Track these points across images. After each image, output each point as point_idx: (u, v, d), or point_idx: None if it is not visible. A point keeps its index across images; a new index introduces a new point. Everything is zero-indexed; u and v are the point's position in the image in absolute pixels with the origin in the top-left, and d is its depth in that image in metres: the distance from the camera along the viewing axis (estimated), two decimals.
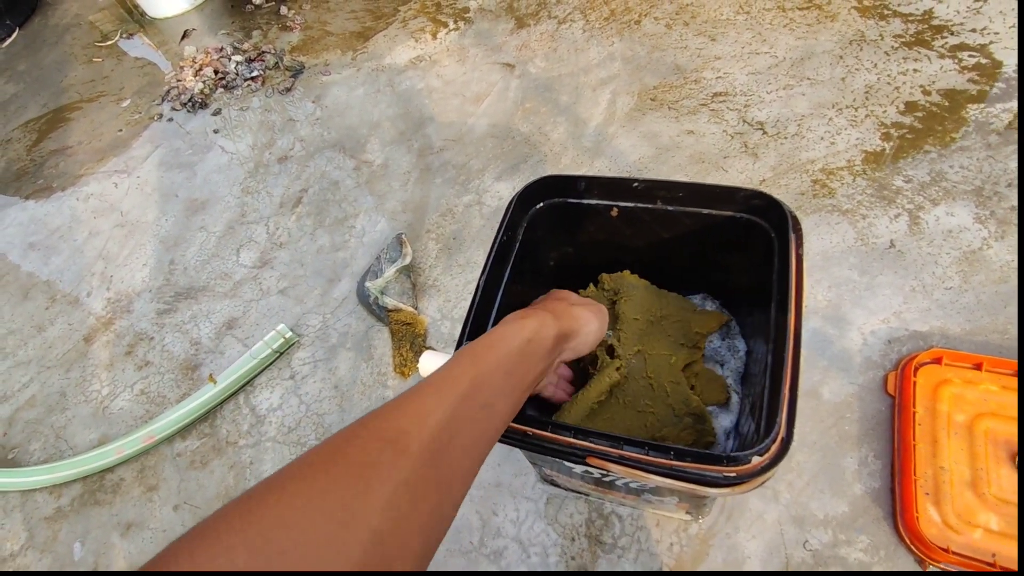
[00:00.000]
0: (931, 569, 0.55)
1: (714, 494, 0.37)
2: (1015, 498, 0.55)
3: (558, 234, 0.56)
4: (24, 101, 1.47)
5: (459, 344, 0.45)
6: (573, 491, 0.65)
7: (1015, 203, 0.75)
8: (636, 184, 0.50)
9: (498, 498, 0.67)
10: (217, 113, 1.24)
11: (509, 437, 0.42)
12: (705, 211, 0.50)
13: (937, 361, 0.64)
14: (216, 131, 1.21)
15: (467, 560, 0.64)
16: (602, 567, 0.61)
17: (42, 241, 1.12)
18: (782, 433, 0.37)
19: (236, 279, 0.96)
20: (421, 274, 0.88)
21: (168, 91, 1.32)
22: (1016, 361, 0.61)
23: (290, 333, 0.83)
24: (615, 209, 0.53)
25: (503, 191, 0.94)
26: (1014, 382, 0.61)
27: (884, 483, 0.60)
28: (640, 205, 0.51)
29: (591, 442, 0.39)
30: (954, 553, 0.54)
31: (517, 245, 0.52)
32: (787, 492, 0.62)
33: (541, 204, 0.53)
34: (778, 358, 0.40)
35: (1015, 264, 0.70)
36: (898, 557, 0.56)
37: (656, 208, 0.51)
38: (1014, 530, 0.54)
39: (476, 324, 0.47)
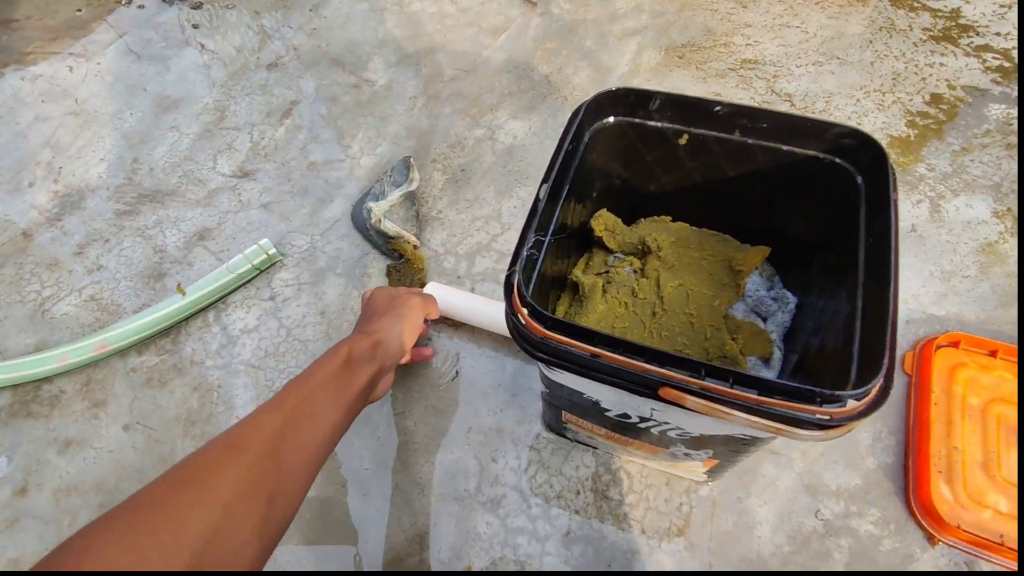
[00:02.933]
0: (939, 545, 0.55)
1: (802, 437, 0.34)
2: None
3: (614, 159, 0.52)
4: None
5: (509, 274, 0.39)
6: (581, 442, 0.61)
7: None
8: (718, 108, 0.45)
9: (499, 444, 0.63)
10: (197, 7, 1.11)
11: (571, 363, 0.37)
12: (785, 147, 0.46)
13: (955, 345, 0.64)
14: (195, 26, 1.08)
15: (462, 506, 0.60)
16: (608, 524, 0.58)
17: None
18: (882, 380, 0.34)
19: (212, 187, 0.86)
20: (425, 204, 0.81)
21: None
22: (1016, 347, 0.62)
23: (274, 250, 0.75)
24: (685, 136, 0.48)
25: (518, 130, 0.88)
26: None
27: (897, 459, 0.60)
28: (715, 134, 0.47)
29: (668, 368, 0.35)
30: (964, 530, 0.54)
31: (578, 160, 0.46)
32: (801, 461, 0.60)
33: (609, 120, 0.48)
34: (877, 304, 0.36)
35: None
36: (907, 531, 0.56)
37: (732, 139, 0.47)
38: None
39: (538, 242, 0.41)
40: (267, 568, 0.55)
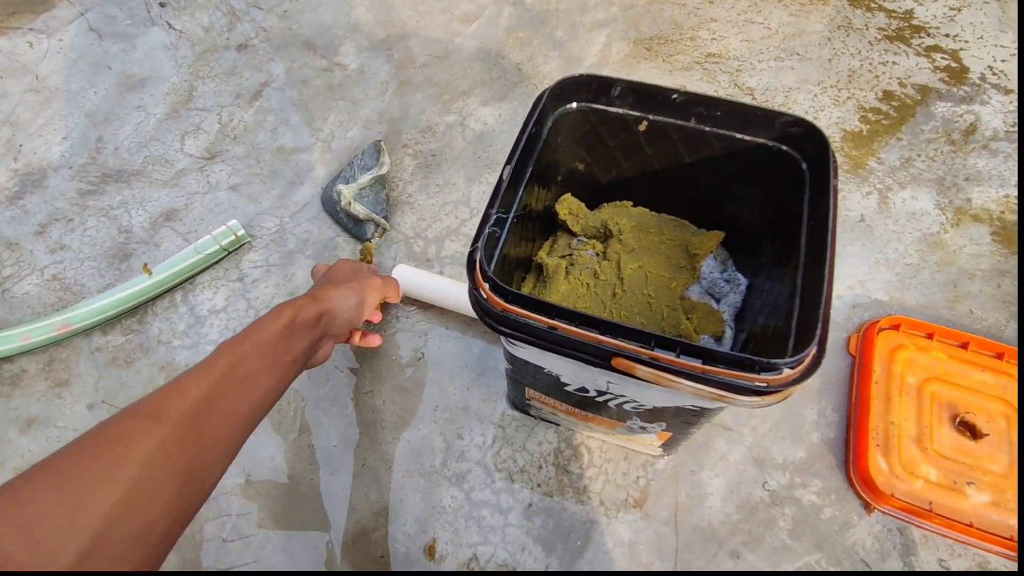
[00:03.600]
0: (875, 513, 0.59)
1: (742, 403, 0.36)
2: (953, 455, 0.60)
3: (577, 144, 0.53)
4: None
5: (471, 251, 0.41)
6: (544, 419, 0.64)
7: (971, 196, 0.80)
8: (676, 96, 0.47)
9: (464, 421, 0.65)
10: None
11: (530, 335, 0.39)
12: (739, 135, 0.48)
13: (895, 327, 0.68)
14: (163, 4, 1.06)
15: (427, 481, 0.61)
16: (569, 497, 0.60)
17: None
18: (814, 350, 0.36)
19: (179, 168, 0.85)
20: (395, 188, 0.82)
21: None
22: (1007, 345, 0.66)
23: (242, 231, 0.75)
24: (644, 122, 0.50)
25: (489, 117, 0.89)
26: (961, 352, 0.66)
27: (839, 434, 0.63)
28: (672, 120, 0.49)
29: (620, 340, 0.37)
30: (897, 499, 0.58)
31: (541, 143, 0.48)
32: (751, 436, 0.63)
33: (572, 105, 0.49)
34: (813, 281, 0.39)
35: (967, 249, 0.75)
36: (847, 500, 0.60)
37: (689, 126, 0.49)
38: (949, 481, 0.59)
39: (500, 219, 0.43)
40: (246, 561, 0.56)
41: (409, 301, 0.72)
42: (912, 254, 0.75)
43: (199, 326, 0.72)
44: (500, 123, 0.89)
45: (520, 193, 0.47)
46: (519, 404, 0.63)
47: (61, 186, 0.83)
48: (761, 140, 0.48)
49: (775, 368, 0.36)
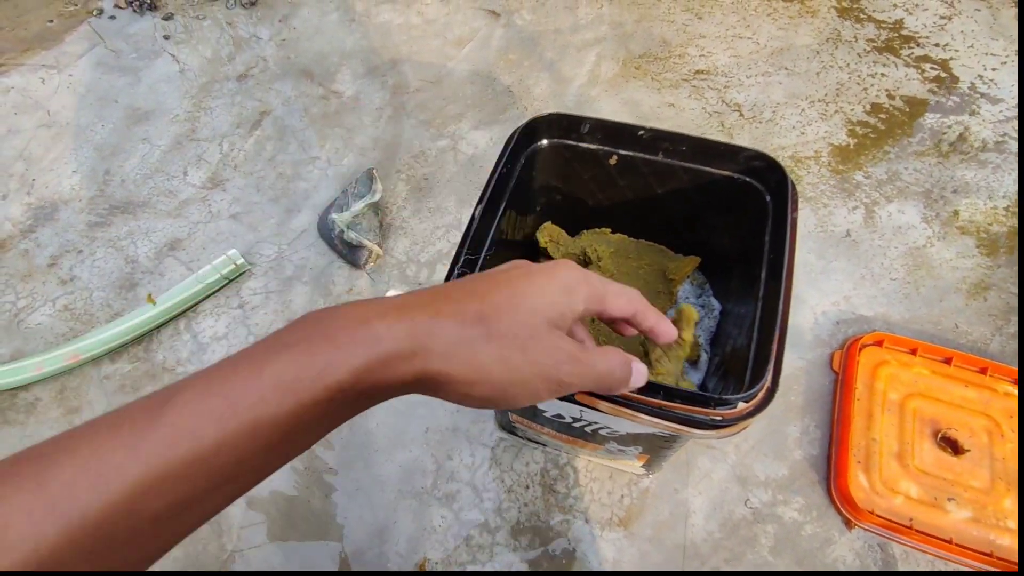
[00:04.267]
0: (856, 529, 0.60)
1: (699, 436, 0.38)
2: (934, 471, 0.61)
3: (551, 177, 0.55)
4: None
5: (448, 277, 0.44)
6: (531, 440, 0.66)
7: (958, 208, 0.80)
8: (642, 132, 0.49)
9: (454, 443, 0.67)
10: (169, 18, 1.13)
11: None
12: (705, 168, 0.50)
13: (879, 343, 0.69)
14: (167, 37, 1.10)
15: (419, 502, 0.64)
16: (555, 515, 0.62)
17: None
18: (768, 383, 0.38)
19: (182, 198, 0.88)
20: (389, 214, 0.84)
21: None
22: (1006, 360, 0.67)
23: (242, 260, 0.78)
24: (615, 157, 0.52)
25: (480, 140, 0.92)
26: (944, 368, 0.66)
27: (821, 451, 0.64)
28: (641, 155, 0.51)
29: None
30: (877, 515, 0.59)
31: (514, 180, 0.50)
32: (734, 454, 0.65)
33: (544, 142, 0.52)
34: (769, 314, 0.41)
35: (953, 263, 0.76)
36: (827, 517, 0.61)
37: (657, 160, 0.51)
38: (930, 498, 0.60)
39: (469, 260, 0.45)
40: (243, 569, 0.59)
41: None
42: (898, 268, 0.76)
43: (202, 352, 0.75)
44: (491, 146, 0.91)
45: (493, 229, 0.49)
46: (506, 425, 0.65)
47: (71, 219, 0.87)
48: (727, 172, 0.50)
49: (729, 403, 0.37)
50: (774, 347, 0.38)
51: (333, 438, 0.67)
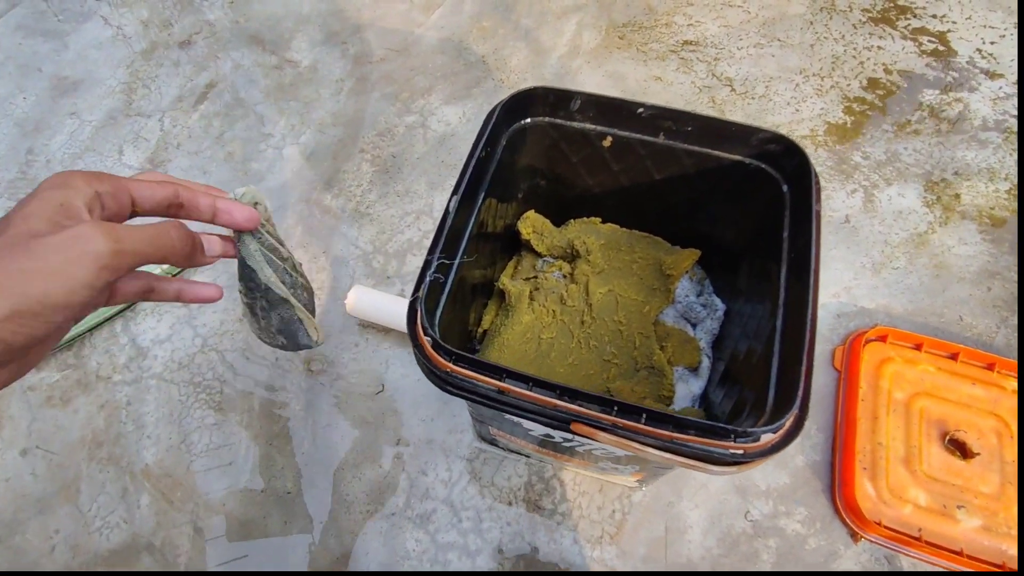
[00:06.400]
0: (862, 542, 0.56)
1: (716, 472, 0.32)
2: (943, 476, 0.57)
3: (537, 160, 0.48)
4: None
5: (412, 301, 0.36)
6: (514, 452, 0.60)
7: (960, 191, 0.76)
8: (641, 110, 0.42)
9: (428, 456, 0.60)
10: None
11: (478, 396, 0.34)
12: (712, 152, 0.44)
13: (882, 339, 0.64)
14: None
15: (390, 523, 0.57)
16: (540, 534, 0.57)
17: None
18: (796, 411, 0.32)
19: None
20: (352, 198, 0.76)
21: None
22: (1007, 355, 0.63)
23: None
24: (609, 138, 0.45)
25: (452, 116, 0.84)
26: (950, 364, 0.62)
27: (824, 456, 0.60)
28: (639, 136, 0.44)
29: (579, 405, 0.33)
30: (885, 526, 0.55)
31: (495, 164, 0.43)
32: None
33: (527, 120, 0.44)
34: (795, 324, 0.35)
35: (956, 250, 0.72)
36: (832, 529, 0.57)
37: (657, 142, 0.44)
38: (939, 506, 0.56)
39: (447, 253, 0.38)
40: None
41: (367, 325, 0.67)
42: (899, 256, 0.71)
43: (141, 358, 0.66)
44: (464, 123, 0.83)
45: (471, 223, 0.42)
46: (486, 436, 0.59)
47: None
48: (736, 157, 0.43)
49: (752, 436, 0.31)
50: (803, 367, 0.33)
51: (292, 452, 0.60)
